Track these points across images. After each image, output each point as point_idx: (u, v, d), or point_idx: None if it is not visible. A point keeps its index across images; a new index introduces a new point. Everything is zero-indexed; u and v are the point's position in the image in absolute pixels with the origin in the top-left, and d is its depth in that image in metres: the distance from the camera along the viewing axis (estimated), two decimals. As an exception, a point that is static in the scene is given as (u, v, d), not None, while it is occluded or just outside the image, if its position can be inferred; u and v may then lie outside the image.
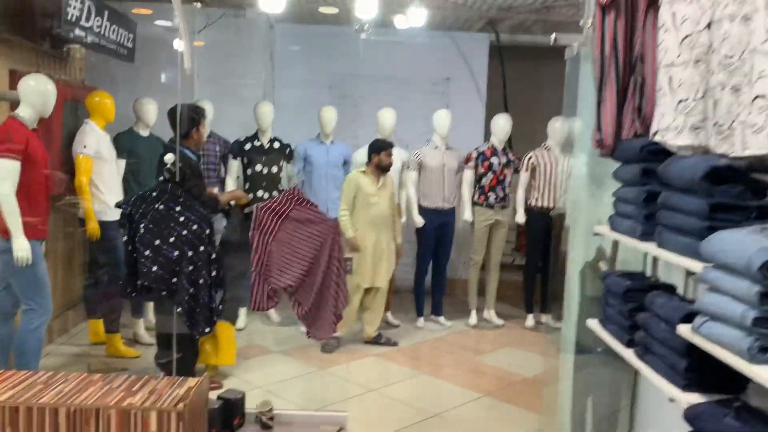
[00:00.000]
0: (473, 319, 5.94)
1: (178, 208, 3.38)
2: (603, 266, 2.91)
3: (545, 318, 6.01)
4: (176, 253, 3.34)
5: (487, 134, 6.76)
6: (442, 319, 5.89)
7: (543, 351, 5.26)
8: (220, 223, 5.24)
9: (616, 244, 2.82)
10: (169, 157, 3.44)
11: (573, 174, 3.30)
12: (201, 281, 3.35)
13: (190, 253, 3.34)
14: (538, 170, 5.78)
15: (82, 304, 5.26)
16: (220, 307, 3.43)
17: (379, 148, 5.06)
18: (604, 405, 2.87)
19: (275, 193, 5.52)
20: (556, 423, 3.43)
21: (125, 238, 3.38)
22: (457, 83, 6.88)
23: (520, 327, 5.95)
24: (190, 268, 3.34)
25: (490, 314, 6.01)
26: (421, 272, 5.84)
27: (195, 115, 3.97)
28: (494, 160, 5.79)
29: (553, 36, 3.21)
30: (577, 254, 3.27)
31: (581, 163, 3.27)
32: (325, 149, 5.62)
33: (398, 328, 5.71)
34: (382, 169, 5.05)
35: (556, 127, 5.78)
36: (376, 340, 5.24)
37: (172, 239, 3.34)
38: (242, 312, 5.51)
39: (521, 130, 6.26)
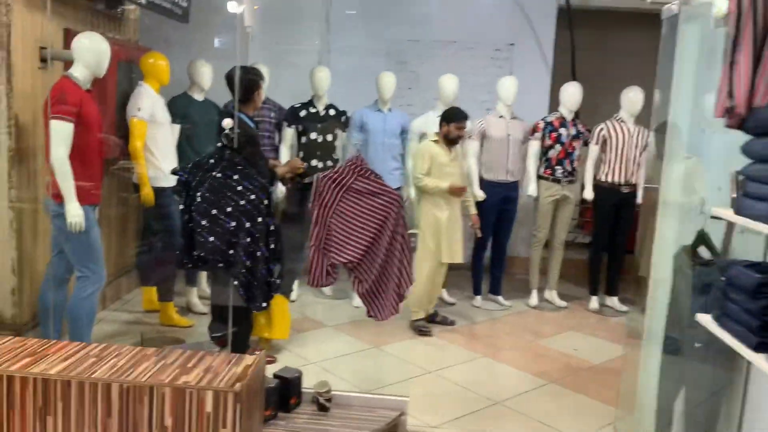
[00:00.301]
0: (534, 299, 5.66)
1: (235, 177, 3.19)
2: (704, 253, 2.60)
3: (610, 301, 5.69)
4: (233, 223, 3.15)
5: (553, 104, 6.40)
6: (500, 298, 5.62)
7: (611, 336, 4.96)
8: (279, 193, 5.10)
9: (730, 229, 2.50)
10: (227, 122, 3.24)
11: (667, 148, 2.96)
12: (258, 254, 3.16)
13: (247, 225, 3.15)
14: (609, 143, 5.41)
15: (136, 271, 5.19)
16: (278, 281, 3.24)
17: (450, 118, 4.73)
18: (699, 406, 2.58)
19: (330, 162, 5.31)
20: (636, 419, 3.16)
21: (182, 206, 3.21)
22: (521, 49, 6.49)
23: (584, 309, 5.64)
24: (248, 240, 3.16)
25: (552, 295, 5.72)
26: (480, 249, 5.56)
27: (254, 78, 3.76)
28: (563, 131, 5.43)
29: (649, -7, 2.85)
30: (667, 236, 2.96)
31: (676, 136, 2.93)
32: (382, 117, 5.36)
33: (454, 306, 5.48)
34: (451, 141, 4.77)
35: (630, 96, 5.38)
36: (432, 318, 5.02)
37: (229, 209, 3.15)
38: (295, 284, 5.37)
39: (589, 100, 5.86)
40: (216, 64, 4.85)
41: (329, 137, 5.30)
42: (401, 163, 5.41)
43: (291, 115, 5.22)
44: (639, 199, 5.51)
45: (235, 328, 3.42)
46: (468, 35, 6.44)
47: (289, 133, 5.24)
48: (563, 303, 5.67)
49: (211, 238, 3.13)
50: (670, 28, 2.97)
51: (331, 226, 3.19)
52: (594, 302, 5.63)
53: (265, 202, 3.17)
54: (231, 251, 3.16)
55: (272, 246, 3.18)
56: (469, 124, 5.43)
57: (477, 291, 5.61)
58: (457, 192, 4.73)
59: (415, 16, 6.36)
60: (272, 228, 3.18)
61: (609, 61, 7.36)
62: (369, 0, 6.46)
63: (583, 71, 6.51)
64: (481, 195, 5.34)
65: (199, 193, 3.14)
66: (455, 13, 6.41)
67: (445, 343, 4.71)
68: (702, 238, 2.57)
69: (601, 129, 5.44)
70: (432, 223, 4.74)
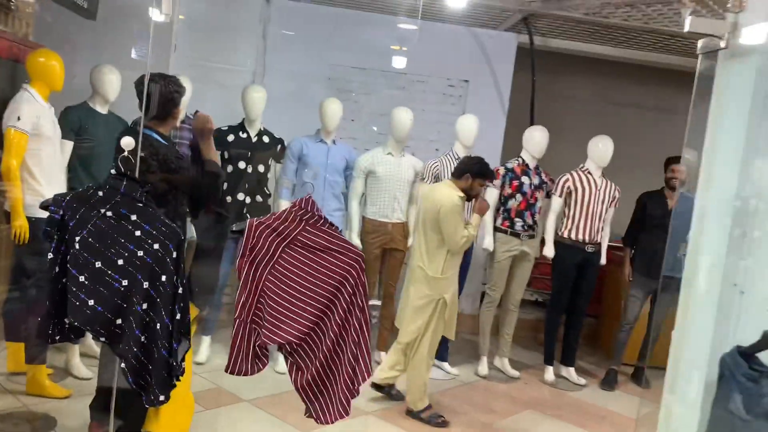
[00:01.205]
0: (484, 368, 4.91)
1: (133, 218, 2.27)
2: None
3: (566, 371, 5.03)
4: (125, 282, 2.23)
5: (508, 149, 5.81)
6: (446, 365, 4.84)
7: (576, 419, 4.27)
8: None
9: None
10: (127, 142, 2.33)
11: (702, 213, 2.31)
12: (158, 327, 2.24)
13: (145, 285, 2.23)
14: (574, 196, 4.82)
15: (1, 322, 4.08)
16: (182, 365, 2.33)
17: (484, 172, 3.87)
18: None
19: (260, 198, 4.45)
20: None
21: (50, 255, 2.25)
22: (476, 87, 5.87)
23: (538, 381, 4.94)
24: (145, 306, 2.24)
25: (503, 363, 4.99)
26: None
27: (175, 90, 2.88)
28: (525, 179, 4.79)
29: (687, 19, 2.22)
30: (704, 320, 2.28)
31: (719, 199, 2.28)
32: (325, 149, 4.55)
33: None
34: (468, 198, 3.86)
35: (600, 146, 4.82)
36: (388, 390, 4.18)
37: (120, 262, 2.23)
38: (205, 341, 4.40)
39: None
40: (129, 74, 3.93)
41: (260, 168, 4.44)
42: (343, 203, 4.60)
43: (217, 140, 4.31)
44: (603, 260, 4.93)
45: (121, 423, 2.46)
46: (419, 67, 5.78)
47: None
48: (516, 373, 4.95)
49: (92, 302, 2.19)
50: (709, 67, 2.34)
51: (265, 291, 2.32)
52: (549, 373, 4.95)
53: (175, 254, 2.27)
54: (119, 321, 2.23)
55: (179, 316, 2.28)
56: (419, 164, 4.73)
57: (421, 356, 4.82)
58: (484, 207, 3.96)
59: (361, 42, 5.64)
60: (181, 291, 2.28)
61: (569, 107, 6.92)
62: (311, 20, 5.69)
63: (543, 115, 5.96)
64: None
65: (78, 238, 2.21)
66: (406, 41, 5.75)
67: (390, 427, 3.86)
68: (773, 342, 1.90)
69: (566, 180, 4.84)
70: (435, 308, 3.85)
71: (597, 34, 5.53)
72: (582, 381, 4.95)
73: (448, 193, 3.77)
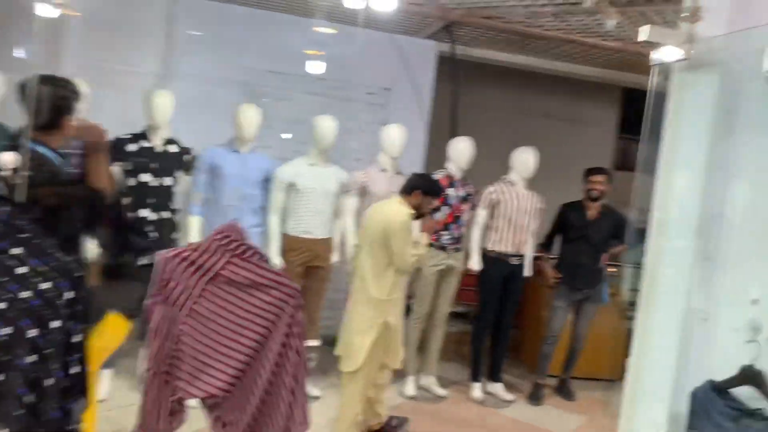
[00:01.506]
0: (411, 388, 4.68)
1: (16, 251, 1.86)
2: (746, 396, 1.79)
3: (492, 387, 4.89)
4: (8, 330, 1.81)
5: (431, 160, 5.64)
6: (373, 386, 4.57)
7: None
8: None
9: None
10: (6, 159, 1.90)
11: (659, 233, 2.17)
12: (49, 384, 1.84)
13: (32, 333, 1.82)
14: (499, 208, 4.69)
15: None
16: (77, 427, 1.92)
17: (435, 190, 3.73)
18: None
19: (166, 214, 4.02)
20: None
21: None
22: (397, 96, 5.67)
23: (466, 399, 4.77)
24: (31, 359, 1.83)
25: (429, 382, 4.79)
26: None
27: (67, 95, 2.45)
28: (451, 191, 4.61)
29: (644, 28, 2.07)
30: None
31: (678, 219, 2.15)
32: (240, 160, 4.17)
33: (318, 399, 4.34)
34: (417, 216, 3.65)
35: (523, 158, 4.73)
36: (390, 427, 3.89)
37: (1, 305, 1.81)
38: (105, 375, 3.92)
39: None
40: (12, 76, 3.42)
41: (167, 180, 4.02)
42: (262, 218, 4.25)
43: (116, 150, 3.85)
44: (527, 272, 4.84)
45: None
46: (338, 73, 5.50)
47: (114, 173, 3.85)
48: (443, 392, 4.76)
49: (-38, 357, 1.76)
50: (663, 80, 2.21)
51: (181, 338, 1.96)
52: (477, 391, 4.79)
53: (69, 294, 1.87)
54: (0, 377, 1.81)
55: (74, 370, 1.88)
56: (344, 175, 4.45)
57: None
58: (432, 226, 3.87)
59: (277, 44, 5.30)
60: (76, 340, 1.88)
61: (489, 117, 6.85)
62: (223, 21, 5.29)
63: (462, 126, 5.83)
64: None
65: (-57, 278, 1.77)
66: (324, 45, 5.46)
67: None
68: (751, 377, 1.76)
69: (491, 192, 4.71)
70: (380, 332, 3.56)
71: (518, 44, 5.46)
72: (510, 397, 4.83)
73: (398, 209, 3.54)
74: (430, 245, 4.54)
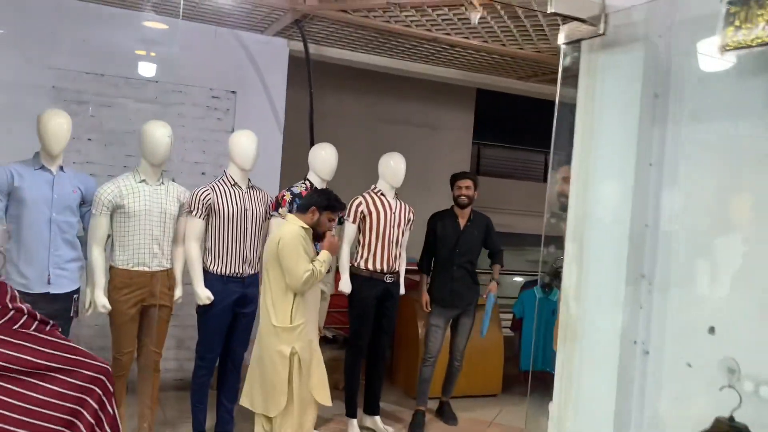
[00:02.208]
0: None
1: None
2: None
3: (371, 421, 4.35)
4: None
5: (286, 170, 5.03)
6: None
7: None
8: None
9: None
10: None
11: (578, 247, 1.74)
12: None
13: None
14: (368, 221, 4.18)
15: None
16: None
17: (333, 205, 3.45)
18: None
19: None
20: None
21: None
22: (246, 100, 4.99)
23: (343, 435, 4.20)
24: None
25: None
26: (207, 362, 3.77)
27: None
28: (314, 206, 4.02)
29: (551, -1, 1.62)
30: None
31: (603, 229, 1.72)
32: (48, 179, 3.29)
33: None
34: (316, 235, 3.44)
35: (392, 165, 4.26)
36: None
37: None
38: None
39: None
40: None
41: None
42: (80, 250, 3.39)
43: None
44: (402, 290, 4.37)
45: None
46: (175, 74, 4.71)
47: None
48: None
49: None
50: (574, 62, 1.79)
51: None
52: (354, 428, 4.22)
53: None
54: None
55: None
56: (186, 193, 3.71)
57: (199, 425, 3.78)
58: (334, 244, 3.53)
59: (97, 42, 4.43)
60: None
61: (347, 124, 6.36)
62: (27, 14, 4.32)
63: (318, 133, 5.27)
64: (204, 296, 3.61)
65: None
66: (156, 43, 4.66)
67: None
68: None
69: (359, 203, 4.19)
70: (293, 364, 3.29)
71: (375, 43, 5.01)
72: (390, 430, 4.32)
73: (290, 226, 3.35)
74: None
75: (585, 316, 1.78)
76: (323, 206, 3.40)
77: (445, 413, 4.69)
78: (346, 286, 4.13)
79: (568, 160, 1.72)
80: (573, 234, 1.79)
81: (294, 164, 4.78)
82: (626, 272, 1.67)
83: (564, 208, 1.71)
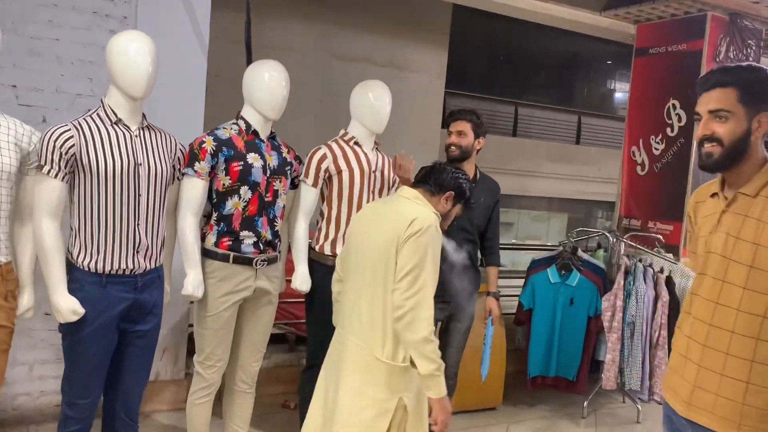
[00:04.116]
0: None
1: None
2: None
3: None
4: None
5: (211, 107, 3.47)
6: None
7: None
8: None
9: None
10: None
11: None
12: None
13: None
14: (337, 183, 2.72)
15: None
16: None
17: (468, 198, 2.23)
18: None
19: None
20: None
21: None
22: (152, 2, 3.35)
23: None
24: None
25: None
26: (80, 412, 2.26)
27: None
28: (253, 158, 2.51)
29: None
30: None
31: None
32: None
33: None
34: None
35: (371, 99, 2.79)
36: None
37: None
38: None
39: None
40: None
41: None
42: None
43: None
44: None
45: None
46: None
47: None
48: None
49: None
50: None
51: None
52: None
53: None
54: None
55: None
56: (32, 133, 2.14)
57: None
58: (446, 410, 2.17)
59: None
60: None
61: (292, 60, 4.91)
62: None
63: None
64: (67, 306, 2.08)
65: None
66: None
67: None
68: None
69: (323, 157, 2.72)
70: None
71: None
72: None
73: (424, 210, 2.08)
74: (213, 258, 2.46)
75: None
76: (461, 195, 2.16)
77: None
78: (303, 282, 2.69)
79: None
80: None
81: (229, 98, 3.22)
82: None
83: None
